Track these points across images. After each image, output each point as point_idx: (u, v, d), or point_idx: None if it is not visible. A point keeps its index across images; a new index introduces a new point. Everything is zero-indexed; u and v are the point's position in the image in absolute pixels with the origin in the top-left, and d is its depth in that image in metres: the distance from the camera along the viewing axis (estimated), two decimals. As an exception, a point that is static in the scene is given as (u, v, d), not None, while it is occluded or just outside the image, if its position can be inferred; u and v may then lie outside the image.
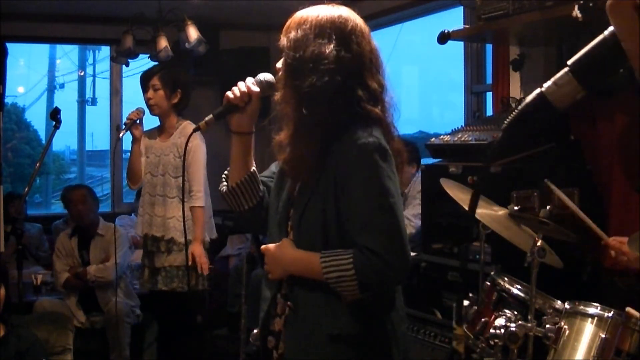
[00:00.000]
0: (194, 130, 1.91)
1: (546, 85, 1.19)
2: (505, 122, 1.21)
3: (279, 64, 1.79)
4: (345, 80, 1.69)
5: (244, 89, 1.83)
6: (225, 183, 1.94)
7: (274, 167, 1.96)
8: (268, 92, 1.84)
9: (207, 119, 1.82)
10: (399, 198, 1.69)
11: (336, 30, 1.71)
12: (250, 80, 1.85)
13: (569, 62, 1.20)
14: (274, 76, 1.83)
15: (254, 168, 1.92)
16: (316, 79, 1.67)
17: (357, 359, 1.70)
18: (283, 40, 1.75)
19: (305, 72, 1.69)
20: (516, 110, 1.20)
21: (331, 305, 1.68)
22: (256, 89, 1.83)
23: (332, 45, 1.69)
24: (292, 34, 1.73)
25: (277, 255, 1.77)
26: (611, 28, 1.14)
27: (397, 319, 1.77)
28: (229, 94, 1.83)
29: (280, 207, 1.83)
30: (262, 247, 1.82)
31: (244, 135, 1.88)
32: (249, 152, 1.90)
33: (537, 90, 1.20)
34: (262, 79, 1.85)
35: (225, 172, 1.95)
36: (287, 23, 1.77)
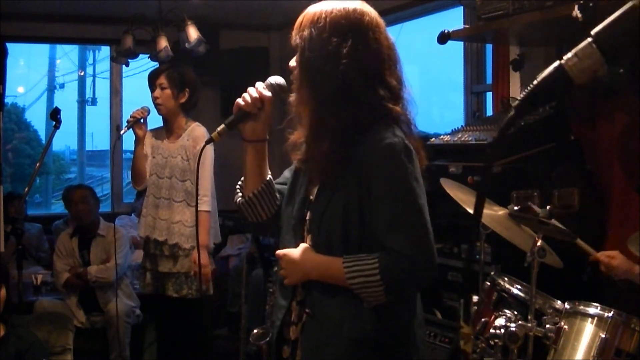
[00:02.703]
0: (207, 142, 1.82)
1: (566, 57, 1.07)
2: (518, 99, 1.12)
3: (293, 62, 1.72)
4: (364, 78, 1.63)
5: (255, 94, 1.74)
6: (239, 193, 1.86)
7: (287, 173, 1.89)
8: (280, 95, 1.76)
9: (219, 129, 1.74)
10: (425, 199, 1.65)
11: (352, 26, 1.64)
12: (260, 85, 1.77)
13: (593, 32, 1.08)
14: (289, 75, 1.75)
15: (269, 176, 1.85)
16: (334, 80, 1.61)
17: None
18: (296, 39, 1.68)
19: (323, 72, 1.63)
20: (531, 86, 1.10)
21: (351, 309, 1.63)
22: (268, 93, 1.75)
23: (348, 43, 1.61)
24: (306, 32, 1.66)
25: (296, 260, 1.69)
26: None
27: (417, 324, 1.73)
28: (240, 101, 1.75)
29: (295, 211, 1.75)
30: (277, 252, 1.74)
31: (258, 143, 1.80)
32: (264, 160, 1.83)
33: (556, 63, 1.08)
34: (272, 82, 1.77)
35: (240, 182, 1.87)
36: (300, 19, 1.70)
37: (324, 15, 1.65)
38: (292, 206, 1.77)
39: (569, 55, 1.07)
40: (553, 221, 2.24)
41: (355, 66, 1.62)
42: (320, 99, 1.65)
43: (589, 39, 1.07)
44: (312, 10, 1.69)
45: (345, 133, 1.63)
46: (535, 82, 1.08)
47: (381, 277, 1.56)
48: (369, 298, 1.60)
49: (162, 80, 3.68)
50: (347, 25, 1.64)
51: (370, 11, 1.69)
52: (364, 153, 1.62)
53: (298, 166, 1.80)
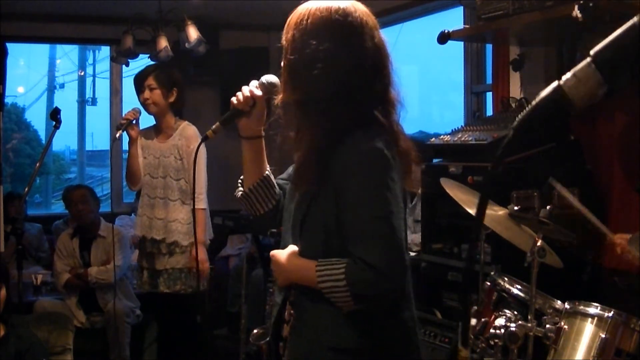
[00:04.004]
0: (203, 140, 1.86)
1: (565, 78, 1.03)
2: (516, 119, 1.09)
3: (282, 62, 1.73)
4: (344, 80, 1.61)
5: (247, 93, 1.80)
6: (240, 188, 1.92)
7: (291, 170, 1.90)
8: (272, 94, 1.80)
9: (214, 127, 1.80)
10: (398, 207, 1.60)
11: (334, 27, 1.61)
12: (253, 84, 1.82)
13: (592, 53, 1.03)
14: (279, 77, 1.78)
15: (267, 172, 1.89)
16: (312, 82, 1.61)
17: None
18: (282, 41, 1.70)
19: (302, 75, 1.63)
20: (529, 107, 1.07)
21: (333, 316, 1.62)
22: (259, 92, 1.80)
23: (328, 45, 1.60)
24: (290, 35, 1.66)
25: (279, 262, 1.72)
26: None
27: (406, 332, 1.70)
28: (233, 99, 1.81)
29: (293, 212, 1.77)
30: (271, 252, 1.78)
31: (253, 139, 1.85)
32: (261, 156, 1.88)
33: (554, 84, 1.03)
34: (265, 81, 1.83)
35: (241, 177, 1.92)
36: (287, 21, 1.70)
37: (306, 16, 1.64)
38: (291, 205, 1.79)
39: (568, 75, 1.04)
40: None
41: (334, 67, 1.60)
42: (300, 102, 1.67)
43: (588, 59, 1.03)
44: (298, 10, 1.68)
45: (322, 139, 1.62)
46: (533, 102, 1.05)
47: (347, 282, 1.55)
48: (338, 303, 1.59)
49: (151, 81, 3.73)
50: (327, 27, 1.61)
51: (356, 10, 1.65)
52: (339, 159, 1.60)
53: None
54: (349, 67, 1.61)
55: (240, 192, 1.91)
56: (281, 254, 1.73)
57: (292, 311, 1.73)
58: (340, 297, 1.57)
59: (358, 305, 1.58)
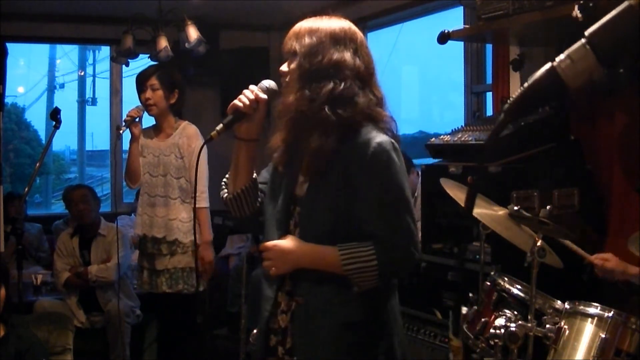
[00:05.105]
0: (207, 141, 1.91)
1: (558, 59, 1.03)
2: (508, 101, 1.07)
3: (285, 67, 1.84)
4: (359, 83, 1.78)
5: (251, 96, 1.86)
6: (225, 189, 1.97)
7: (265, 173, 2.00)
8: (273, 98, 1.87)
9: (218, 128, 1.84)
10: (410, 193, 1.78)
11: (350, 39, 1.81)
12: (255, 88, 1.88)
13: (587, 33, 1.02)
14: (279, 80, 1.86)
15: (255, 174, 1.97)
16: (337, 84, 1.75)
17: (365, 344, 1.76)
18: (294, 45, 1.80)
19: (325, 77, 1.75)
20: (522, 88, 1.07)
21: (341, 295, 1.74)
22: (264, 95, 1.87)
23: (349, 53, 1.78)
24: (306, 40, 1.79)
25: (287, 250, 1.78)
26: None
27: (396, 305, 1.86)
28: (237, 102, 1.85)
29: (280, 206, 1.85)
30: (265, 244, 1.83)
31: (251, 142, 1.91)
32: (255, 159, 1.94)
33: (548, 65, 1.04)
34: (267, 85, 1.88)
35: (225, 179, 1.98)
36: (296, 29, 1.83)
37: (322, 27, 1.81)
38: (275, 202, 1.88)
39: (562, 57, 1.03)
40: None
41: (353, 73, 1.78)
42: (321, 101, 1.75)
43: (583, 40, 1.03)
44: (307, 23, 1.83)
45: (339, 132, 1.75)
46: (526, 84, 1.04)
47: (378, 263, 1.70)
48: (362, 283, 1.72)
49: (154, 81, 3.73)
50: (345, 39, 1.81)
51: (358, 31, 1.87)
52: (353, 151, 1.74)
53: (278, 167, 1.91)
54: (363, 74, 1.80)
55: (227, 194, 1.96)
56: (285, 243, 1.80)
57: (297, 298, 1.79)
58: (367, 276, 1.71)
59: (378, 283, 1.74)
